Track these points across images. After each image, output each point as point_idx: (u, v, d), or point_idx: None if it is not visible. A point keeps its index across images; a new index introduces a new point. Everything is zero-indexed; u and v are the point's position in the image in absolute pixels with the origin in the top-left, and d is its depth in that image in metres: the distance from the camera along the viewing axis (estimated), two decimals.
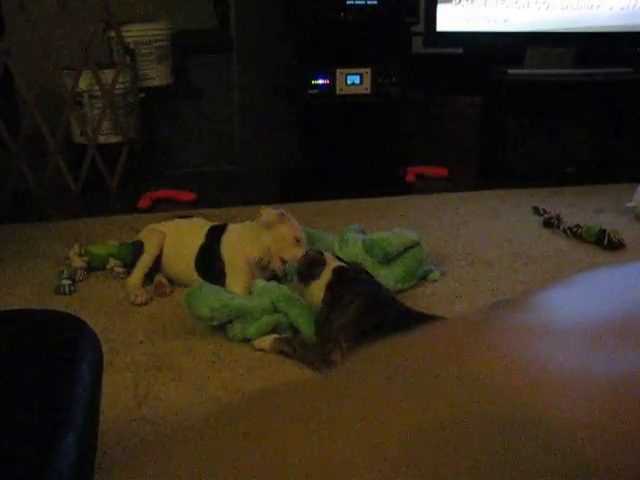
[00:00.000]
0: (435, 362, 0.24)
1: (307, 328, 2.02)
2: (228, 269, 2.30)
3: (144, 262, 2.42)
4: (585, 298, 0.28)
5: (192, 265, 2.37)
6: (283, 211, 2.30)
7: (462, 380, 0.23)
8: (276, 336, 2.02)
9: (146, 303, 2.31)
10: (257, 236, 2.28)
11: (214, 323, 2.03)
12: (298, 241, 2.27)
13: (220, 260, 2.31)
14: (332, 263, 2.02)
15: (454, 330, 0.27)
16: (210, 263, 2.33)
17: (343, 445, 0.21)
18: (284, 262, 2.27)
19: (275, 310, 2.08)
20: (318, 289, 1.98)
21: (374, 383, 0.24)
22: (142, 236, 2.50)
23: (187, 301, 2.04)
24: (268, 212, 2.26)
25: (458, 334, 0.26)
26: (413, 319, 1.89)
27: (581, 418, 0.21)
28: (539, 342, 0.24)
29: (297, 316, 2.05)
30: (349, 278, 1.97)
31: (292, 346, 1.98)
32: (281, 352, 1.98)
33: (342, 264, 2.05)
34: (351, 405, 0.23)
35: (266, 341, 2.00)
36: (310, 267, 2.01)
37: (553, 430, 0.20)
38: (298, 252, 2.19)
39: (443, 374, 0.23)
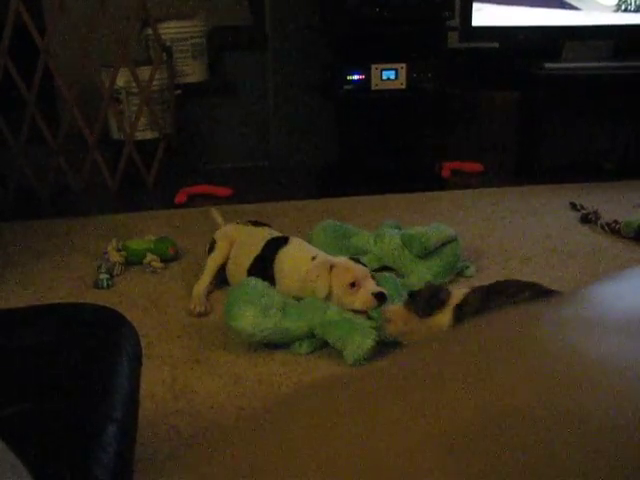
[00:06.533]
0: (490, 354, 0.24)
1: (350, 347, 1.90)
2: (277, 283, 2.21)
3: (213, 262, 2.38)
4: (637, 292, 0.28)
5: (245, 275, 2.25)
6: (330, 263, 2.12)
7: (519, 372, 0.23)
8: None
9: (205, 314, 2.23)
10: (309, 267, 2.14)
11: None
12: (353, 285, 2.06)
13: (272, 274, 2.23)
14: (457, 294, 1.90)
15: (509, 322, 0.27)
16: (262, 275, 2.20)
17: (395, 439, 0.21)
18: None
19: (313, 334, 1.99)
20: (444, 317, 1.87)
21: (428, 376, 0.24)
22: (216, 236, 2.47)
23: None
24: (320, 284, 2.09)
25: (515, 326, 0.26)
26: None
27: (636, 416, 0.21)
28: (596, 335, 0.24)
29: (337, 340, 1.93)
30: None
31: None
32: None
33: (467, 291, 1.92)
34: (404, 399, 0.23)
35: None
36: (433, 297, 1.89)
37: (604, 428, 0.20)
38: (361, 296, 2.05)
39: (499, 367, 0.23)
